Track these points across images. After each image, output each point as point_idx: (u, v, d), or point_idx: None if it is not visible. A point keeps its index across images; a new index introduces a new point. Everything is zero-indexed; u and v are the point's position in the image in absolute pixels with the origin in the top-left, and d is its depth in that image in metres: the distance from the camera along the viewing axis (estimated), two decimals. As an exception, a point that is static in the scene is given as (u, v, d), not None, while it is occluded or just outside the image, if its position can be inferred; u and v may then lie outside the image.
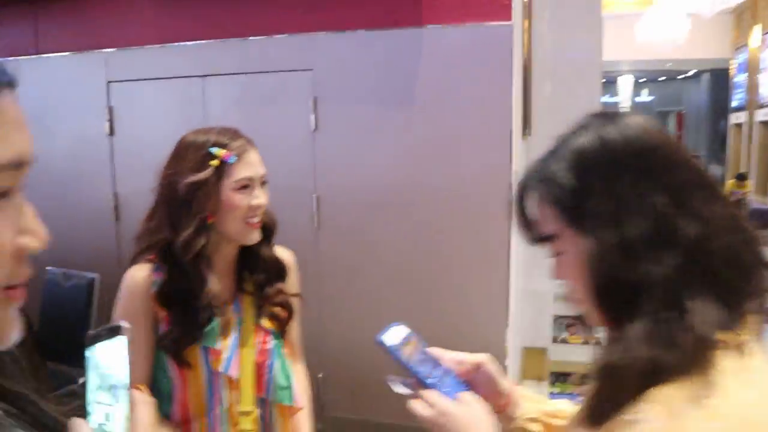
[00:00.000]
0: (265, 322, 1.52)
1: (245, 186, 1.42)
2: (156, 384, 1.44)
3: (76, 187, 3.85)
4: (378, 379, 3.35)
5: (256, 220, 1.45)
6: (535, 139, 3.80)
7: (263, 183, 1.48)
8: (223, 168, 1.40)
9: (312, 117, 3.30)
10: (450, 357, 1.04)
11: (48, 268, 3.59)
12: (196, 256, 1.40)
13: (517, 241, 3.26)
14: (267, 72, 3.38)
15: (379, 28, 3.16)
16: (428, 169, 3.18)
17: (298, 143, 3.35)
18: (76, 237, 3.88)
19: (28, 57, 3.86)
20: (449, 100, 3.11)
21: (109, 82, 3.67)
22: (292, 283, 1.60)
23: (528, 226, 0.90)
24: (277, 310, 1.53)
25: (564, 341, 3.43)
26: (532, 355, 3.53)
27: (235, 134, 1.47)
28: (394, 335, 1.04)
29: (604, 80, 13.07)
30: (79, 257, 3.73)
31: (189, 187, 1.39)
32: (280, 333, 1.55)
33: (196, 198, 1.39)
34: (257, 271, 1.53)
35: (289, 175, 3.39)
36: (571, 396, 3.41)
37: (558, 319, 3.49)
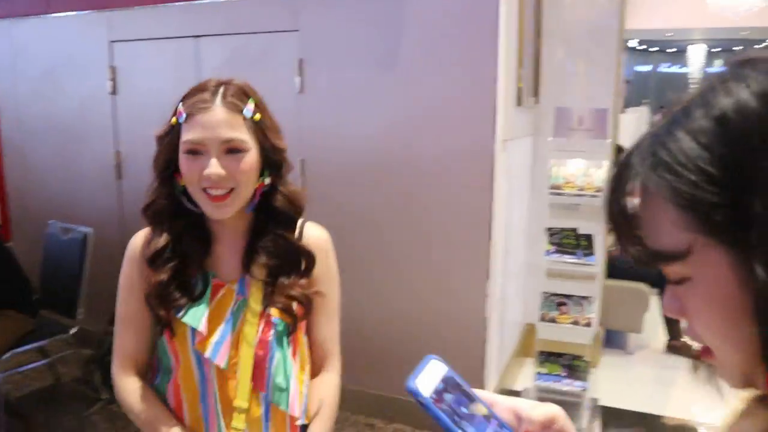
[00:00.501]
0: (274, 312, 1.31)
1: (192, 151, 1.23)
2: (161, 358, 1.36)
3: (80, 145, 3.98)
4: (362, 340, 3.35)
5: (214, 192, 1.23)
6: (546, 107, 3.62)
7: (233, 151, 1.23)
8: (178, 126, 1.25)
9: (297, 79, 3.25)
10: (507, 406, 0.64)
11: (49, 221, 3.74)
12: (190, 219, 1.30)
13: (502, 213, 3.13)
14: (255, 33, 3.34)
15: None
16: (411, 135, 3.09)
17: (284, 105, 3.30)
18: (78, 193, 4.02)
19: (39, 16, 3.97)
20: (434, 66, 2.99)
21: (112, 41, 3.73)
22: (321, 272, 1.41)
23: (633, 238, 0.57)
24: (292, 303, 1.33)
25: (552, 320, 3.28)
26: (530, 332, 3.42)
27: (204, 88, 1.25)
28: (429, 379, 0.67)
29: (674, 49, 12.36)
30: (81, 212, 3.87)
31: (156, 143, 1.30)
32: (291, 328, 1.35)
33: (156, 154, 1.29)
34: (270, 255, 1.32)
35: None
36: (557, 378, 3.29)
37: (549, 297, 3.34)
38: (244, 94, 1.28)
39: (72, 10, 3.85)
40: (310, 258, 1.36)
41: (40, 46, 4.04)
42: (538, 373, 3.33)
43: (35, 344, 3.42)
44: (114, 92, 3.78)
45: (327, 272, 1.43)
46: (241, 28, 3.37)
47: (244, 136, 1.24)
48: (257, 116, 1.28)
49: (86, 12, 3.80)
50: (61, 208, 4.01)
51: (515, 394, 3.55)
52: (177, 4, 3.50)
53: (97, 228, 3.58)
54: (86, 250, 3.46)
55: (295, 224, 1.37)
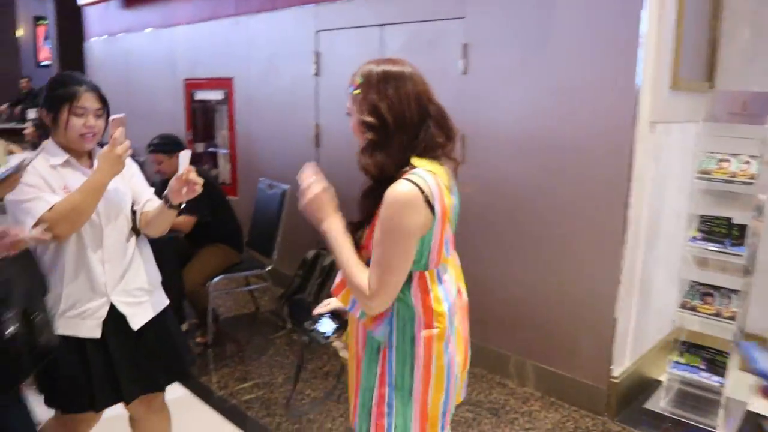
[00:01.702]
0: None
1: None
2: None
3: (289, 118, 4.76)
4: (501, 304, 3.71)
5: None
6: (721, 93, 3.51)
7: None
8: None
9: (462, 62, 3.60)
10: None
11: (261, 177, 4.57)
12: None
13: (645, 197, 3.17)
14: (428, 21, 3.76)
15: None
16: (556, 114, 3.26)
17: (449, 86, 3.68)
18: (286, 155, 4.82)
19: (267, 12, 4.83)
20: (578, 46, 3.14)
21: (317, 31, 4.43)
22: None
23: None
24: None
25: (693, 309, 3.22)
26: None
27: None
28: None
29: None
30: (285, 172, 4.65)
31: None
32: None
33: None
34: None
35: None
36: (694, 370, 3.22)
37: (695, 285, 3.28)
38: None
39: (291, 6, 4.63)
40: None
41: (266, 36, 4.91)
42: (675, 362, 3.29)
43: (239, 273, 4.26)
44: (317, 74, 4.48)
45: (379, 221, 1.56)
46: (416, 17, 3.81)
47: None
48: (357, 92, 1.61)
49: (300, 6, 4.55)
50: (272, 169, 4.85)
51: (653, 382, 3.53)
52: (368, -3, 4.06)
53: (296, 186, 4.31)
54: (283, 204, 4.21)
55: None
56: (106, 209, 2.09)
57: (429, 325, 1.59)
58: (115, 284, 2.11)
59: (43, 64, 12.23)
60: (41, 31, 12.22)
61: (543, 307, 3.43)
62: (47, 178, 1.99)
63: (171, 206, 2.09)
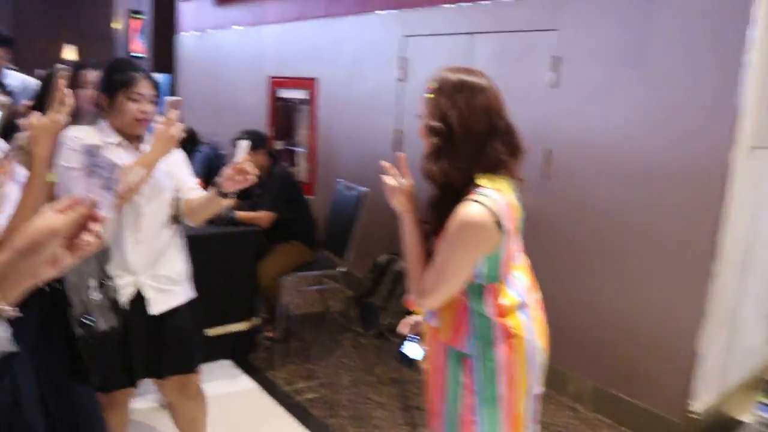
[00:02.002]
0: None
1: None
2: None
3: (370, 122, 4.78)
4: (576, 325, 3.60)
5: None
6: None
7: None
8: None
9: (551, 74, 3.52)
10: None
11: (338, 179, 4.61)
12: None
13: (740, 226, 3.01)
14: (519, 31, 3.70)
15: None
16: (649, 133, 3.14)
17: (537, 98, 3.61)
18: (364, 158, 4.84)
19: (355, 15, 4.87)
20: (677, 64, 3.01)
21: (405, 36, 4.43)
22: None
23: None
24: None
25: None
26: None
27: None
28: None
29: None
30: (363, 175, 4.67)
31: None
32: None
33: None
34: None
35: (525, 127, 3.69)
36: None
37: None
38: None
39: (379, 10, 4.65)
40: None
41: (353, 39, 4.95)
42: (761, 403, 3.11)
43: (311, 272, 4.31)
44: (402, 79, 4.48)
45: (446, 233, 1.60)
46: (508, 27, 3.75)
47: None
48: (430, 96, 1.64)
49: (389, 11, 4.57)
50: (350, 170, 4.88)
51: (736, 422, 3.34)
52: (458, 4, 4.02)
53: (374, 189, 4.33)
54: (361, 206, 4.23)
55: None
56: (150, 193, 2.15)
57: (507, 331, 1.64)
58: (146, 267, 2.17)
59: (135, 55, 12.77)
60: (136, 24, 12.77)
61: (621, 332, 3.31)
62: None
63: (221, 193, 2.11)
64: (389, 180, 1.69)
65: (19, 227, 0.83)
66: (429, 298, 1.64)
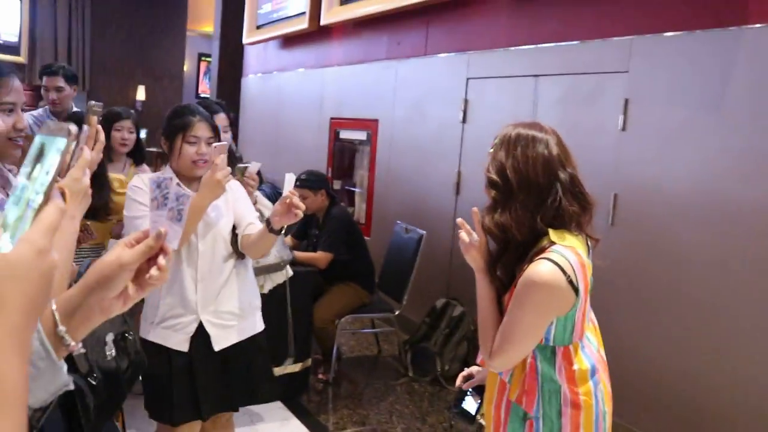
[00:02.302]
0: None
1: None
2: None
3: (432, 163, 4.73)
4: (648, 381, 3.39)
5: None
6: None
7: None
8: None
9: (621, 117, 3.40)
10: None
11: (397, 221, 4.56)
12: None
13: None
14: (588, 74, 3.61)
15: (699, 29, 3.08)
16: (732, 181, 2.97)
17: (606, 142, 3.50)
18: (425, 200, 4.78)
19: (418, 57, 4.89)
20: (765, 109, 2.85)
21: (468, 78, 4.40)
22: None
23: None
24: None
25: None
26: None
27: None
28: None
29: None
30: (422, 217, 4.61)
31: None
32: None
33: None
34: None
35: (592, 171, 3.57)
36: None
37: None
38: None
39: (443, 52, 4.65)
40: None
41: (414, 80, 4.96)
42: None
43: (367, 315, 4.23)
44: (464, 121, 4.44)
45: (516, 293, 1.55)
46: (575, 69, 3.67)
47: None
48: (491, 150, 1.64)
49: (452, 54, 4.56)
50: (408, 212, 4.83)
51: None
52: (523, 47, 3.98)
53: (432, 232, 4.26)
54: (419, 249, 4.15)
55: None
56: (204, 230, 2.18)
57: (575, 399, 1.58)
58: (206, 304, 2.19)
59: (201, 96, 13.21)
60: (204, 66, 13.25)
61: (697, 392, 3.08)
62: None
63: (272, 230, 2.08)
64: (463, 236, 1.63)
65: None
66: (497, 360, 1.58)
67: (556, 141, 1.58)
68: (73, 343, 0.81)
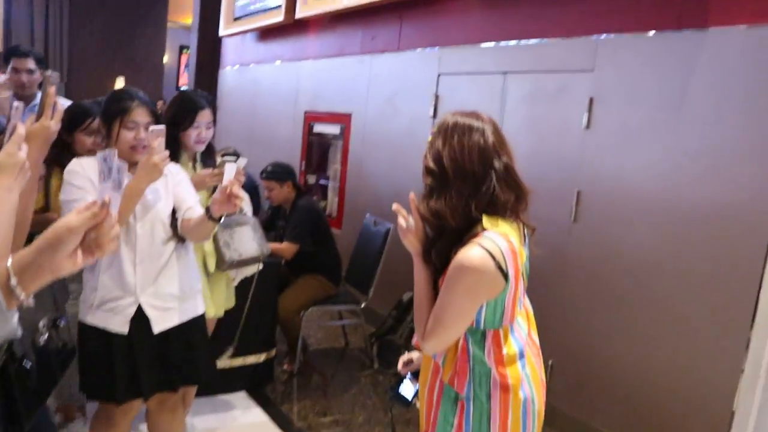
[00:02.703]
0: None
1: None
2: None
3: (404, 156, 4.74)
4: (603, 376, 3.41)
5: None
6: None
7: None
8: None
9: (586, 115, 3.45)
10: None
11: (367, 213, 4.57)
12: None
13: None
14: (554, 72, 3.65)
15: (662, 30, 3.13)
16: (691, 181, 3.03)
17: (569, 140, 3.54)
18: (395, 194, 4.77)
19: (392, 53, 4.91)
20: (724, 110, 2.91)
21: (440, 74, 4.43)
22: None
23: None
24: None
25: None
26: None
27: None
28: None
29: None
30: (391, 210, 4.62)
31: None
32: None
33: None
34: None
35: (556, 168, 3.63)
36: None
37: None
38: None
39: (415, 48, 4.68)
40: None
41: (388, 75, 4.98)
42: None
43: (333, 306, 4.25)
44: (435, 116, 4.46)
45: (447, 277, 1.58)
46: (543, 67, 3.71)
47: None
48: (429, 139, 1.67)
49: (424, 49, 4.58)
50: (378, 205, 4.85)
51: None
52: (492, 44, 4.01)
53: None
54: (386, 242, 4.17)
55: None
56: (142, 213, 2.18)
57: (504, 381, 1.61)
58: (145, 286, 2.19)
59: (182, 88, 13.14)
60: (184, 59, 13.19)
61: (650, 387, 3.14)
62: (94, 181, 2.11)
63: (211, 218, 2.12)
64: (400, 221, 1.65)
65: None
66: (429, 342, 1.61)
67: (492, 130, 1.60)
68: (23, 296, 0.90)
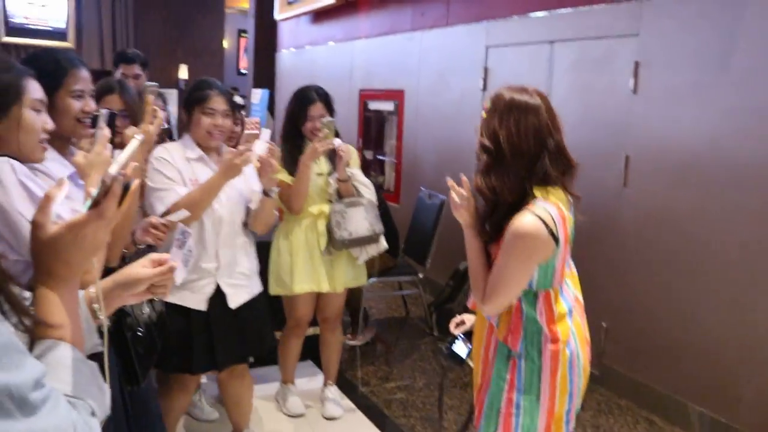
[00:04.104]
0: None
1: None
2: None
3: (456, 130, 4.85)
4: (657, 337, 3.51)
5: None
6: None
7: None
8: None
9: (632, 80, 3.46)
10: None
11: (422, 187, 4.72)
12: None
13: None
14: (600, 38, 3.66)
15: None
16: (740, 139, 3.02)
17: (617, 105, 3.57)
18: (448, 167, 4.89)
19: (440, 28, 4.99)
20: (765, 68, 2.88)
21: (488, 46, 4.49)
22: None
23: None
24: None
25: None
26: None
27: None
28: None
29: None
30: (445, 183, 4.75)
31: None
32: None
33: None
34: None
35: (604, 134, 3.66)
36: None
37: None
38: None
39: (463, 23, 4.74)
40: None
41: (438, 50, 5.07)
42: None
43: (393, 278, 4.43)
44: (485, 89, 4.54)
45: (503, 244, 1.69)
46: (588, 34, 3.73)
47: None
48: (484, 115, 1.75)
49: (472, 23, 4.64)
50: (432, 179, 4.98)
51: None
52: (539, 14, 4.04)
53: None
54: (441, 214, 4.31)
55: None
56: (228, 204, 2.41)
57: (555, 339, 1.73)
58: (225, 267, 2.42)
59: (242, 72, 13.50)
60: (243, 42, 13.50)
61: (703, 343, 3.19)
62: (182, 171, 2.34)
63: (264, 193, 2.40)
64: (454, 196, 1.79)
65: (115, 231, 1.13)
66: (488, 305, 1.74)
67: (546, 107, 1.69)
68: (101, 317, 1.10)
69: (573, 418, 1.82)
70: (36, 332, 0.82)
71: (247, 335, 2.52)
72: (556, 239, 1.64)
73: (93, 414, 0.78)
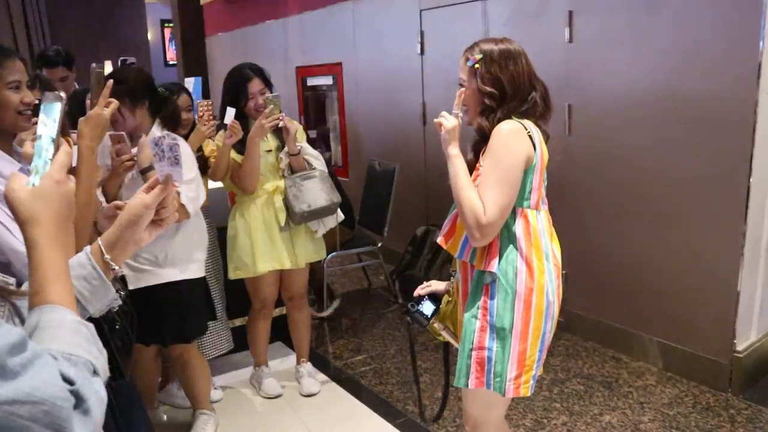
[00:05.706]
0: None
1: None
2: None
3: (396, 97, 4.84)
4: (614, 280, 3.57)
5: None
6: None
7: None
8: None
9: (567, 30, 3.51)
10: None
11: (370, 158, 4.70)
12: None
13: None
14: (532, -10, 3.69)
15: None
16: (671, 78, 3.12)
17: (554, 55, 3.61)
18: (394, 135, 4.91)
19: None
20: (697, 7, 2.97)
21: (421, 10, 4.47)
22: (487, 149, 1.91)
23: None
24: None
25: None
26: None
27: None
28: None
29: None
30: (393, 151, 4.75)
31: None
32: None
33: None
34: None
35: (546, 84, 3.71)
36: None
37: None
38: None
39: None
40: None
41: (372, 19, 5.02)
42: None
43: (351, 250, 4.43)
44: (422, 53, 4.53)
45: (488, 152, 1.82)
46: (519, -13, 3.75)
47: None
48: (477, 66, 1.87)
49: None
50: (380, 148, 4.98)
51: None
52: (469, -28, 4.04)
53: (405, 164, 4.41)
54: (393, 181, 4.31)
55: None
56: (128, 181, 2.41)
57: (529, 259, 1.82)
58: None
59: (170, 63, 13.09)
60: (168, 32, 13.05)
61: (658, 279, 3.31)
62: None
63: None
64: (443, 121, 1.89)
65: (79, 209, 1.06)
66: (491, 212, 1.75)
67: (525, 53, 1.89)
68: (117, 267, 1.06)
69: (540, 368, 1.92)
70: (31, 300, 0.82)
71: (167, 321, 2.57)
72: (533, 144, 1.79)
73: (95, 373, 0.77)
